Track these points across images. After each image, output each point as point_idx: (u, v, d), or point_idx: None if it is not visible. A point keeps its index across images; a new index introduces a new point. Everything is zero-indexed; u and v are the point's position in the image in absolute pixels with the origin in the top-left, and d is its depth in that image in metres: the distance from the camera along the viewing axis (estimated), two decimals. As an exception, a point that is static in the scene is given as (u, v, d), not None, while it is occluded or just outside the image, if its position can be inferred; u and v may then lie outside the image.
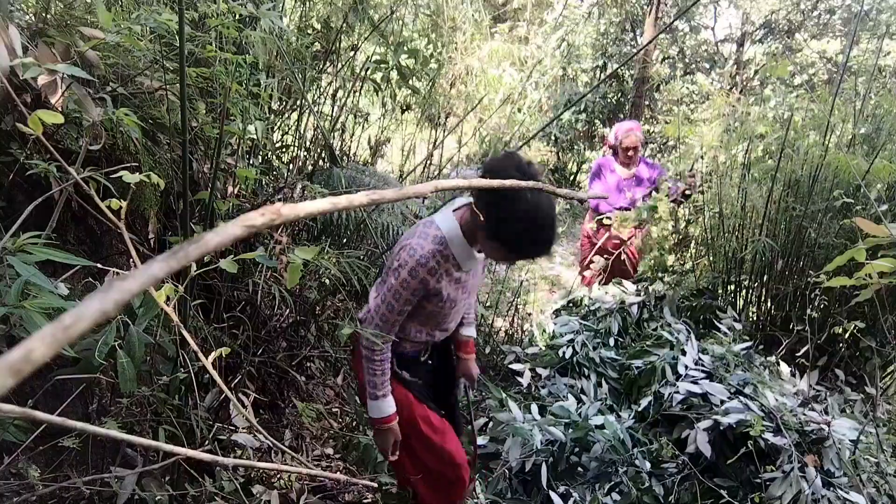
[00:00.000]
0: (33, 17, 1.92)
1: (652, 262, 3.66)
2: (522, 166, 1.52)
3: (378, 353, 1.73)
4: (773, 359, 2.95)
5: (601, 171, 4.33)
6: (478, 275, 1.86)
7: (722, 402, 2.43)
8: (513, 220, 1.51)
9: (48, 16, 1.90)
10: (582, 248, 4.56)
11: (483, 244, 1.65)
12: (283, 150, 3.26)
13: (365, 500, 2.41)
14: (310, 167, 3.28)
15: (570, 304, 3.59)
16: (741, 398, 2.43)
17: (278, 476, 2.16)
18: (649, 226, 4.12)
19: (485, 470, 2.39)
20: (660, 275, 3.55)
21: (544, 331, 3.25)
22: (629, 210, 4.12)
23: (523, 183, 1.19)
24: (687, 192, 3.85)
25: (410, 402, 1.87)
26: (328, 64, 3.32)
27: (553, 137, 9.25)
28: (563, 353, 2.95)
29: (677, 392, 2.53)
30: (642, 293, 3.33)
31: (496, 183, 1.13)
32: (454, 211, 1.70)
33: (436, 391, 2.01)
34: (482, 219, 1.55)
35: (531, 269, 5.49)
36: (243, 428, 2.15)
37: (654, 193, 4.03)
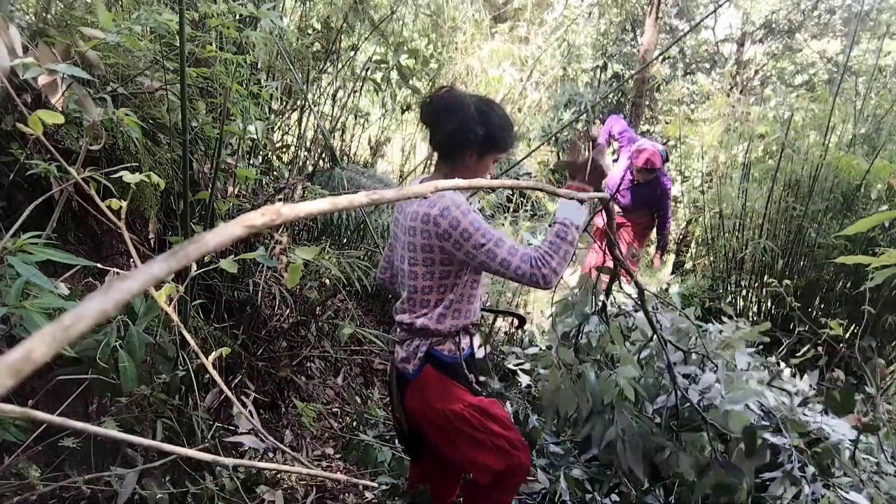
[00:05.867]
0: (33, 17, 1.92)
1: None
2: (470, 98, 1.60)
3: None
4: (773, 359, 2.95)
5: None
6: None
7: (722, 402, 2.43)
8: (491, 123, 1.58)
9: (48, 16, 1.90)
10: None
11: (472, 167, 1.63)
12: (284, 150, 3.26)
13: (366, 500, 2.41)
14: (310, 167, 3.28)
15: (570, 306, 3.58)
16: (741, 398, 2.43)
17: (279, 476, 2.16)
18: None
19: None
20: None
21: (544, 331, 3.24)
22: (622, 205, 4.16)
23: (523, 183, 1.19)
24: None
25: (464, 396, 1.71)
26: (328, 64, 3.32)
27: (553, 137, 9.26)
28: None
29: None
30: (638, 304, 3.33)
31: (496, 183, 1.13)
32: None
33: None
34: (459, 146, 1.60)
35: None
36: (243, 428, 2.15)
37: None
